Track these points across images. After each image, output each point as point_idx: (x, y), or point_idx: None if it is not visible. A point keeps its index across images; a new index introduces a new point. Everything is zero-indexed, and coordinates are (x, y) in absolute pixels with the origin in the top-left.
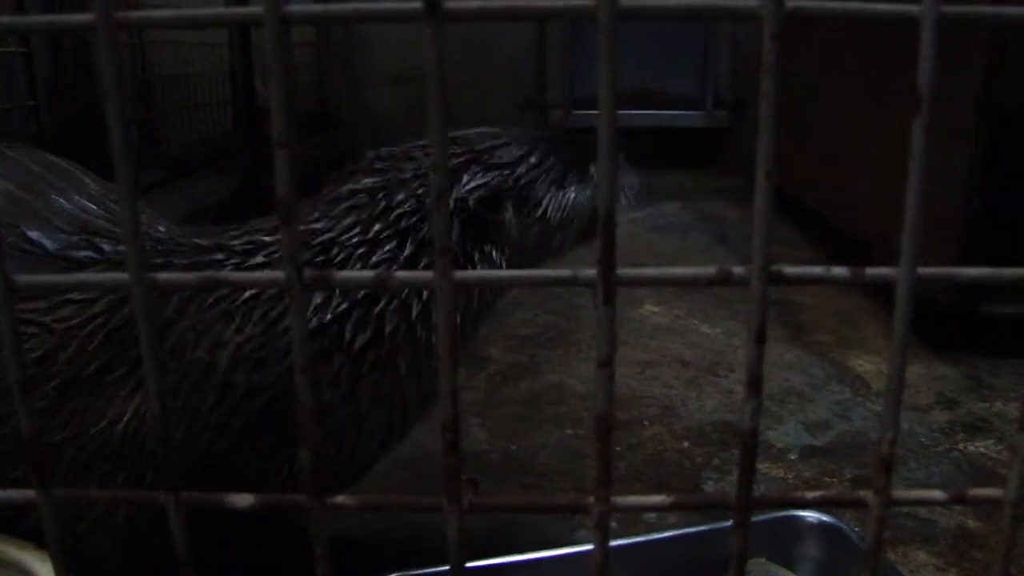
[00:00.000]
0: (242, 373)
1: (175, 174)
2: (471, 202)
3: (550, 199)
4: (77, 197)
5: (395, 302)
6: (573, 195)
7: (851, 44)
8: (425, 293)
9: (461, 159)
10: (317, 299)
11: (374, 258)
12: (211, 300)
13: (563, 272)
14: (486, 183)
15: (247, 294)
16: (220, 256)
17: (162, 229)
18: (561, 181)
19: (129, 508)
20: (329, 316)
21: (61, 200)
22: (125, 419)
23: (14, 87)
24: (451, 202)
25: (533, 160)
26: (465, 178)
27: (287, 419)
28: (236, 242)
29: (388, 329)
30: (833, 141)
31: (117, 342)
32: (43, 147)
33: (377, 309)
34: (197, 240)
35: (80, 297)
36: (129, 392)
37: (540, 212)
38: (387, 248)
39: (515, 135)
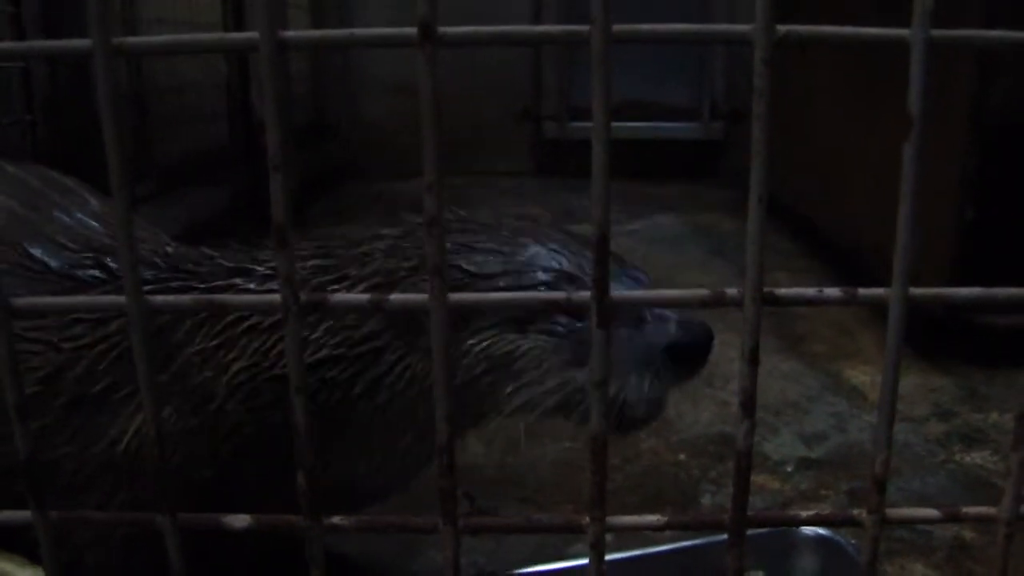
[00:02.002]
0: (235, 401)
1: (170, 187)
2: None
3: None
4: (79, 214)
5: None
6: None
7: (846, 58)
8: None
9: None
10: None
11: None
12: (220, 326)
13: (557, 295)
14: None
15: (246, 323)
16: (238, 281)
17: (170, 250)
18: (576, 360)
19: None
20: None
21: (64, 217)
22: (127, 438)
23: (11, 101)
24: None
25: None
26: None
27: (276, 449)
28: (261, 266)
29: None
30: (828, 150)
31: (128, 362)
32: (40, 162)
33: None
34: (220, 261)
35: (91, 317)
36: (133, 411)
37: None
38: None
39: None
